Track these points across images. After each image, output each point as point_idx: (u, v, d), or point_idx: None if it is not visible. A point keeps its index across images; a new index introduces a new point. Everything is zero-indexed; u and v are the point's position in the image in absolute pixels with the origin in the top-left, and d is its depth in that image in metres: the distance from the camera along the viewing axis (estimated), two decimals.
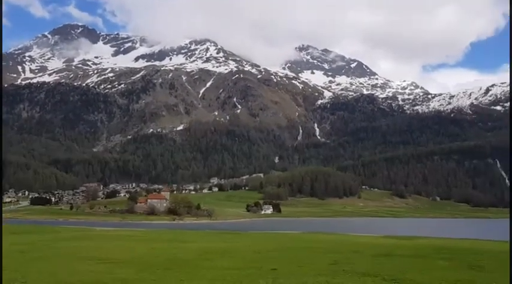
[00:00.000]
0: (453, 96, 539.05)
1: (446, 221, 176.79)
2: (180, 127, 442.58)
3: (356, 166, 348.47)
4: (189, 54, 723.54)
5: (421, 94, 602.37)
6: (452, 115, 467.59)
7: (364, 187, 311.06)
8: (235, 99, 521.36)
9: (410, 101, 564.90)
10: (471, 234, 69.76)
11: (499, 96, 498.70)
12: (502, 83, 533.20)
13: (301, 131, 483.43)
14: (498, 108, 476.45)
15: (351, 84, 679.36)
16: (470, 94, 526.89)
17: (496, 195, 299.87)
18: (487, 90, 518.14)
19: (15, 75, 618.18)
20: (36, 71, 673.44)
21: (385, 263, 21.10)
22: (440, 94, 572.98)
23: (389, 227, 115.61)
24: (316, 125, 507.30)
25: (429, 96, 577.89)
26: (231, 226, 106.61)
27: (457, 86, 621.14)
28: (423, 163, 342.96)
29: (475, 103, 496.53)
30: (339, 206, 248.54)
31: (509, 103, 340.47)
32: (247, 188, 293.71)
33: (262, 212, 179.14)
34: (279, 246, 32.28)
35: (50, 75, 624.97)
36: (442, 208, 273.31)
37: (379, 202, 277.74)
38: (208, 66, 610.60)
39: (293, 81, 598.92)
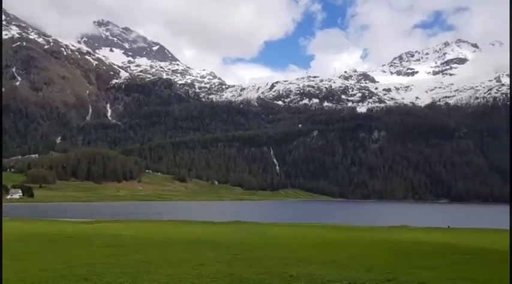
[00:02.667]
0: (244, 89, 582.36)
1: (204, 204, 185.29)
2: None
3: (143, 150, 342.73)
4: None
5: (217, 84, 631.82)
6: (241, 106, 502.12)
7: (148, 171, 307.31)
8: (14, 69, 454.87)
9: (207, 90, 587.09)
10: (199, 216, 69.98)
11: (281, 92, 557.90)
12: (285, 81, 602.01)
13: (90, 110, 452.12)
14: (280, 102, 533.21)
15: (151, 67, 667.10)
16: (258, 88, 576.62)
17: (267, 179, 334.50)
18: (272, 86, 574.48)
19: None
20: None
21: None
22: (233, 86, 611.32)
23: (137, 212, 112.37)
24: (108, 105, 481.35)
25: (223, 87, 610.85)
26: None
27: (251, 80, 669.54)
28: (208, 149, 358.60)
29: (261, 96, 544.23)
30: (113, 190, 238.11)
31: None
32: (13, 170, 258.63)
33: (8, 197, 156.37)
34: None
35: None
36: (218, 191, 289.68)
37: (160, 186, 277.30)
38: None
39: (86, 57, 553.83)
